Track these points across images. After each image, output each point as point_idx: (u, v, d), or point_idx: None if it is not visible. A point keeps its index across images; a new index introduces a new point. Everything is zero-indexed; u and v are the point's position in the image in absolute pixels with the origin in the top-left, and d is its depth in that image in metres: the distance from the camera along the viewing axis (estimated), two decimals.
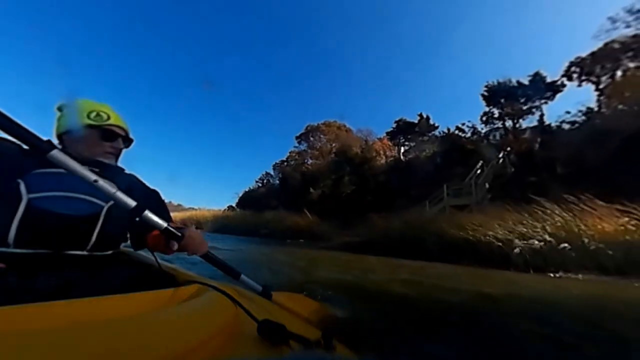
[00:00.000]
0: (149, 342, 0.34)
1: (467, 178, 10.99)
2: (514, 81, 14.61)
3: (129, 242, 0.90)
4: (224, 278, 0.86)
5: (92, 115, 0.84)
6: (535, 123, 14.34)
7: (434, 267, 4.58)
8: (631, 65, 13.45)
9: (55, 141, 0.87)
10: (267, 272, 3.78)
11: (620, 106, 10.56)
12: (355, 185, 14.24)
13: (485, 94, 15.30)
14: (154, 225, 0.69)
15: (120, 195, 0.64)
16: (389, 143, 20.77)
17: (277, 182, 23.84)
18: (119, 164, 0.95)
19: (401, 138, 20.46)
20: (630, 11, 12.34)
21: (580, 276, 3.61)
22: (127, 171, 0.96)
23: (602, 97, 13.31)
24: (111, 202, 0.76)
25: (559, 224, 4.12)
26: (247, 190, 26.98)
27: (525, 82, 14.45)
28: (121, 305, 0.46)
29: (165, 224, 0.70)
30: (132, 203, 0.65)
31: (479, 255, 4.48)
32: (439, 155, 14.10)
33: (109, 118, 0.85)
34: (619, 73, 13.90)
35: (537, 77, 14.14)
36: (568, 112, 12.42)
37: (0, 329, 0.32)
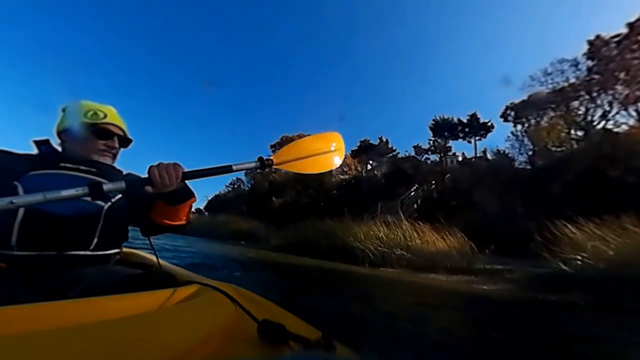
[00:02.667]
0: (149, 343, 0.35)
1: (399, 199, 12.74)
2: (455, 119, 16.92)
3: (129, 241, 0.90)
4: (223, 278, 0.85)
5: (89, 114, 0.84)
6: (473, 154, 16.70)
7: (303, 260, 6.34)
8: (552, 114, 16.21)
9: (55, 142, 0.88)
10: (179, 258, 5.13)
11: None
12: (311, 197, 15.72)
13: (432, 126, 17.52)
14: (148, 192, 0.70)
15: (109, 186, 0.65)
16: (356, 160, 22.66)
17: (248, 188, 24.88)
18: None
19: (363, 156, 22.42)
20: (544, 73, 15.04)
21: (389, 270, 5.17)
22: (125, 172, 0.96)
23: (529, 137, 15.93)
24: (110, 202, 0.77)
25: (400, 236, 5.73)
26: (217, 194, 27.88)
27: (464, 120, 16.80)
28: (121, 305, 0.45)
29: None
30: (123, 184, 0.66)
31: (348, 255, 5.98)
32: (385, 176, 15.91)
33: (105, 116, 0.86)
34: (545, 119, 16.63)
35: (473, 117, 16.48)
36: (484, 152, 14.83)
37: (1, 329, 0.32)
